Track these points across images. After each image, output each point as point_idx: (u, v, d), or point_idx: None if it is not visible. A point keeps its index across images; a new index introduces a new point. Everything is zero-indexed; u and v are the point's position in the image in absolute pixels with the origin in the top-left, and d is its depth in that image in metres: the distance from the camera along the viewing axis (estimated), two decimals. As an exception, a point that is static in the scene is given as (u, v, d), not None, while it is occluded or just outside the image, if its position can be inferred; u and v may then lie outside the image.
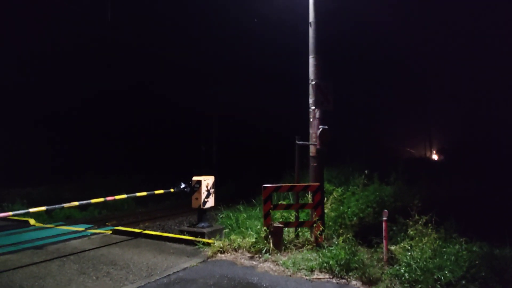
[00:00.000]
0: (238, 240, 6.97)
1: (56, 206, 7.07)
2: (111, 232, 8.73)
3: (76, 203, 7.25)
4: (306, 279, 5.42)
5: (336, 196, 8.38)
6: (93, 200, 7.58)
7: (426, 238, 6.02)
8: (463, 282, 4.93)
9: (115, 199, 8.10)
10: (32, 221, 10.04)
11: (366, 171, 10.13)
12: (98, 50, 22.28)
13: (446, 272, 5.03)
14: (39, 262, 6.45)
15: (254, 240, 6.81)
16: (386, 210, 5.92)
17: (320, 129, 7.14)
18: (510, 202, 8.24)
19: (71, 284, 5.40)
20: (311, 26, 7.49)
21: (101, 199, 7.69)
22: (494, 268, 5.13)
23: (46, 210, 7.30)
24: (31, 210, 6.69)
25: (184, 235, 7.81)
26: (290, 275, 5.57)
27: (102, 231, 9.01)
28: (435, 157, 38.56)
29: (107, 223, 10.62)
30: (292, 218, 7.50)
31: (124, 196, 8.33)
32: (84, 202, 7.48)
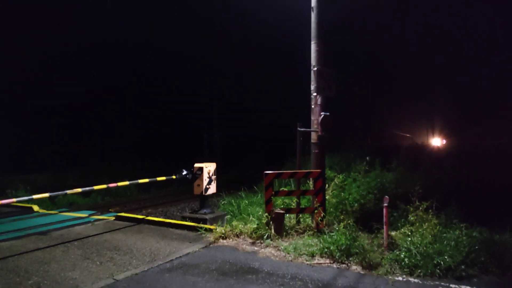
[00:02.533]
0: (240, 226, 7.03)
1: (60, 192, 7.12)
2: (114, 218, 8.82)
3: (79, 189, 7.30)
4: (307, 264, 5.48)
5: (337, 182, 8.40)
6: (96, 187, 7.63)
7: (426, 223, 6.04)
8: (463, 267, 4.97)
9: (117, 186, 8.14)
10: (35, 208, 10.15)
11: (367, 158, 10.13)
12: (100, 41, 22.20)
13: (445, 257, 5.07)
14: (43, 247, 6.55)
15: (255, 226, 6.87)
16: (387, 196, 5.93)
17: (322, 116, 7.12)
18: (510, 188, 8.24)
19: (75, 269, 5.49)
20: (313, 11, 7.38)
21: (104, 186, 7.74)
22: (494, 253, 5.17)
23: (50, 197, 7.37)
24: (35, 196, 6.73)
25: (186, 221, 7.89)
26: (291, 260, 5.63)
27: (105, 217, 9.10)
28: (437, 142, 38.43)
29: (110, 210, 10.74)
30: (293, 204, 7.54)
31: (127, 182, 8.37)
32: (87, 188, 7.53)
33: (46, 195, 6.82)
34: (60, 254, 6.17)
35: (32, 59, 20.31)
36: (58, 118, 21.95)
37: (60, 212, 10.01)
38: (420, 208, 6.32)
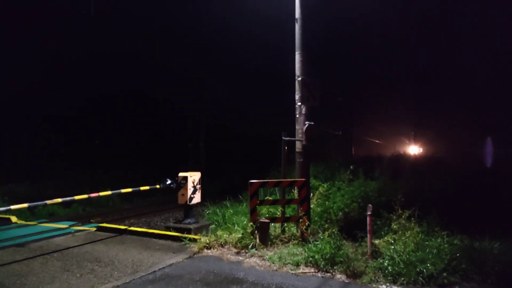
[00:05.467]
0: (225, 235, 6.97)
1: (39, 203, 6.93)
2: (95, 229, 8.62)
3: (59, 199, 7.13)
4: (292, 273, 5.47)
5: (322, 191, 8.44)
6: (76, 197, 7.46)
7: (409, 232, 6.12)
8: (445, 274, 5.05)
9: (99, 196, 8.00)
10: (14, 219, 9.83)
11: (351, 167, 10.25)
12: (87, 51, 22.03)
13: (428, 265, 5.14)
14: (21, 260, 6.34)
15: (240, 235, 6.83)
16: (370, 205, 6.01)
17: (306, 125, 7.18)
18: (489, 196, 8.46)
19: (55, 282, 5.32)
20: (297, 22, 7.49)
21: (85, 196, 7.57)
22: (474, 260, 5.27)
23: (29, 207, 7.15)
24: (13, 207, 6.54)
25: (170, 231, 7.78)
26: (276, 270, 5.61)
27: (86, 228, 8.89)
28: (414, 151, 39.13)
29: (91, 220, 10.49)
30: (278, 213, 7.54)
31: (109, 192, 8.23)
32: (68, 198, 7.36)
33: (25, 205, 6.64)
34: (38, 267, 5.98)
35: (11, 68, 19.90)
36: (38, 126, 21.50)
37: (39, 223, 9.72)
38: (403, 216, 6.42)
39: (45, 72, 20.99)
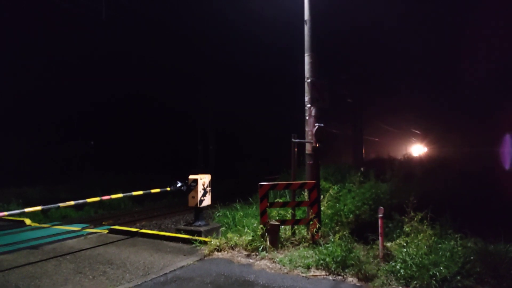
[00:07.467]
0: (235, 238, 6.98)
1: (52, 205, 7.03)
2: (107, 231, 8.71)
3: (72, 202, 7.21)
4: (303, 276, 5.44)
5: (332, 193, 8.39)
6: (89, 200, 7.55)
7: (421, 234, 6.04)
8: (458, 277, 4.96)
9: (111, 198, 8.07)
10: (27, 221, 10.00)
11: (362, 168, 10.17)
12: (97, 53, 22.31)
13: (441, 268, 5.06)
14: (35, 262, 6.43)
15: (250, 238, 6.82)
16: (381, 207, 5.94)
17: (316, 127, 7.16)
18: (503, 199, 8.31)
19: (68, 284, 5.39)
20: (306, 24, 7.49)
21: (97, 198, 7.66)
22: (489, 263, 5.17)
23: (42, 210, 7.28)
24: (27, 210, 6.64)
25: (180, 233, 7.81)
26: (287, 273, 5.59)
27: (98, 230, 8.99)
28: (420, 151, 38.57)
29: (103, 223, 10.61)
30: (288, 216, 7.52)
31: (120, 195, 8.30)
32: (80, 201, 7.44)
33: (38, 208, 6.73)
34: (52, 269, 6.06)
35: (20, 72, 20.30)
36: (50, 130, 21.87)
37: (52, 225, 9.86)
38: (415, 219, 6.34)
39: (55, 76, 21.35)
